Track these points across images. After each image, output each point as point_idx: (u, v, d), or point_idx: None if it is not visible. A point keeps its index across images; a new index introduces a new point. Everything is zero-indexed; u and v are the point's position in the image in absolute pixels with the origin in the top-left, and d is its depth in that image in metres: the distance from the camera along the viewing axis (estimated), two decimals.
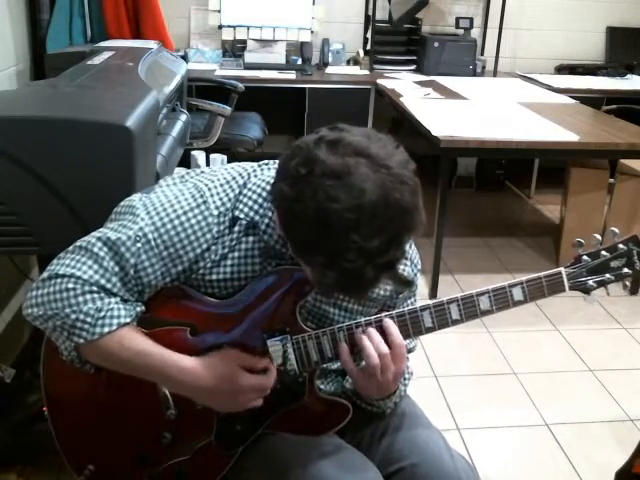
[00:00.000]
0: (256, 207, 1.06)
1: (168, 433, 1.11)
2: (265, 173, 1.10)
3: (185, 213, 1.03)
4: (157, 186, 1.12)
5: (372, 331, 1.04)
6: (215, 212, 1.04)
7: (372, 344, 1.03)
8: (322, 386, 1.18)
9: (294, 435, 1.12)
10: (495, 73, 4.21)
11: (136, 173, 1.35)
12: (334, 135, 0.91)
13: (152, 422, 1.11)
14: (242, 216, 1.06)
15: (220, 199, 1.06)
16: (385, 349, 1.03)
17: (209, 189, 1.06)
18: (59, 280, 0.99)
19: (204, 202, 1.04)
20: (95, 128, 1.32)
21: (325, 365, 1.13)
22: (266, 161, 1.13)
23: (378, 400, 1.16)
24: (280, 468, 1.08)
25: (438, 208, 2.72)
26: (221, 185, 1.07)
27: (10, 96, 1.63)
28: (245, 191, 1.07)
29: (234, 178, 1.09)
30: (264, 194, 1.06)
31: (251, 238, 1.07)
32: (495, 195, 4.30)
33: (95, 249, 1.00)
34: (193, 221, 1.03)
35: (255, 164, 1.13)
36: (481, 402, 2.19)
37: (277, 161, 1.10)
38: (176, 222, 1.03)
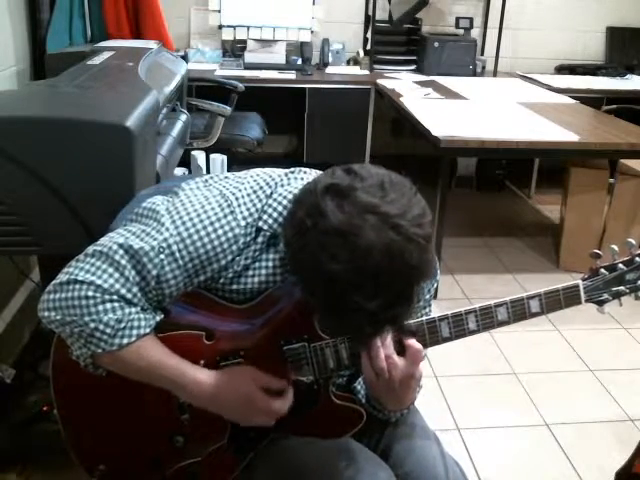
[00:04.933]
0: (280, 219, 1.04)
1: (181, 437, 1.10)
2: (292, 184, 1.07)
3: (212, 223, 1.01)
4: (180, 189, 1.09)
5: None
6: (242, 223, 1.02)
7: (380, 345, 1.01)
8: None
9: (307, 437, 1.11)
10: (495, 73, 4.20)
11: (136, 173, 1.36)
12: (346, 183, 0.87)
13: (165, 425, 1.10)
14: (266, 227, 1.03)
15: (247, 209, 1.03)
16: (390, 350, 1.01)
17: (236, 198, 1.03)
18: (78, 286, 0.96)
19: (231, 212, 1.02)
20: (95, 128, 1.32)
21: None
22: (292, 169, 1.10)
23: (390, 411, 1.16)
24: (293, 468, 1.07)
25: (438, 208, 2.72)
26: (248, 195, 1.05)
27: (10, 96, 1.63)
28: (270, 202, 1.05)
29: (261, 187, 1.06)
30: (289, 206, 1.03)
31: (272, 249, 1.05)
32: (495, 195, 4.30)
33: (117, 257, 0.97)
34: (220, 232, 1.01)
35: (282, 172, 1.10)
36: (481, 402, 2.19)
37: (302, 169, 1.09)
38: (202, 233, 1.00)
